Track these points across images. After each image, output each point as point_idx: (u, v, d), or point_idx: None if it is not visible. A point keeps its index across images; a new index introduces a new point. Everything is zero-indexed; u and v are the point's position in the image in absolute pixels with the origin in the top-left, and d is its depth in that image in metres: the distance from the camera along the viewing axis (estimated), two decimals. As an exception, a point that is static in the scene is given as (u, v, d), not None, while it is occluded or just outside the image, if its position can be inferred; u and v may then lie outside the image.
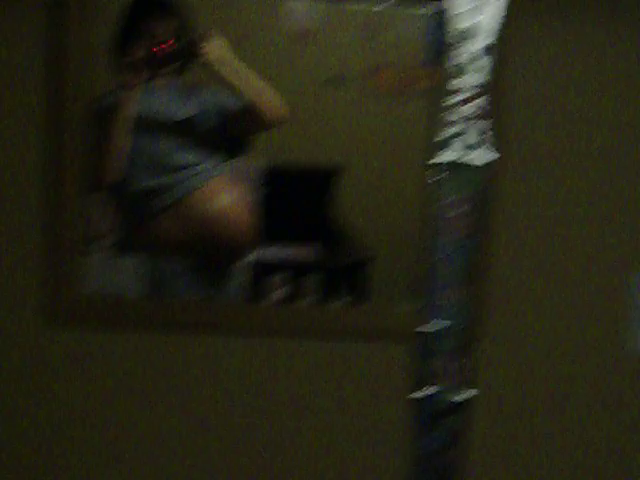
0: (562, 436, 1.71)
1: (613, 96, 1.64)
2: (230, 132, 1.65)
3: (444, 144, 1.58)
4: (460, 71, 1.56)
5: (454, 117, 1.57)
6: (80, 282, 1.63)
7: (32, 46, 1.59)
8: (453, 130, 1.57)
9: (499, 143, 1.60)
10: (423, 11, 1.58)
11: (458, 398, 1.63)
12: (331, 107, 1.65)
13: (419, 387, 1.64)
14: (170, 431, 1.68)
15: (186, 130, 1.64)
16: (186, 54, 1.57)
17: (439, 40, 1.57)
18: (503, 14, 1.56)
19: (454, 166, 1.58)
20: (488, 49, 1.56)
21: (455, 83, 1.57)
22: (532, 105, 1.63)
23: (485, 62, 1.56)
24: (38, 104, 1.60)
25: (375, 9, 1.59)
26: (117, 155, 1.60)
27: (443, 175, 1.59)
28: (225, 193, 1.66)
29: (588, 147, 1.65)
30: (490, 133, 1.58)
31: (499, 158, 1.60)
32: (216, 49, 1.57)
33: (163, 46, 1.57)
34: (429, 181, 1.60)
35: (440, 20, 1.56)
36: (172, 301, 1.65)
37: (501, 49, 1.57)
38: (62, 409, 1.67)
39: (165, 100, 1.64)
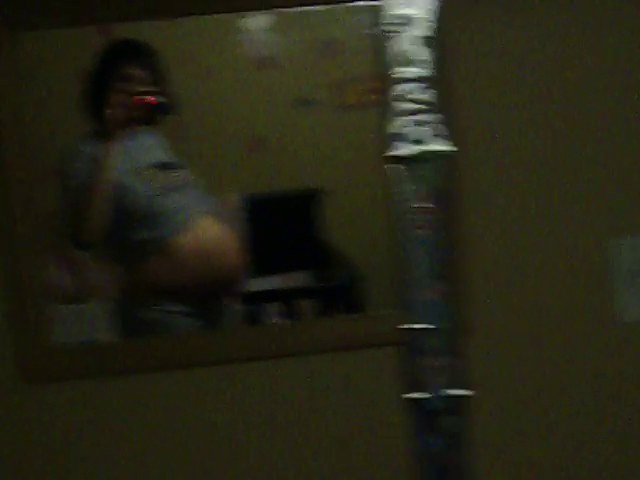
0: (563, 426, 1.70)
1: (565, 84, 1.63)
2: None
3: (397, 138, 1.55)
4: (403, 62, 1.53)
5: (404, 109, 1.54)
6: (48, 333, 1.54)
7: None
8: (403, 123, 1.54)
9: (454, 135, 1.56)
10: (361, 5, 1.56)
11: (452, 397, 1.61)
12: (301, 129, 1.63)
13: (412, 389, 1.60)
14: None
15: (166, 174, 1.61)
16: (168, 108, 1.57)
17: (381, 37, 1.54)
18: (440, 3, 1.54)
19: (410, 159, 1.55)
20: (428, 39, 1.53)
21: (399, 74, 1.54)
22: (484, 95, 1.60)
23: (427, 53, 1.54)
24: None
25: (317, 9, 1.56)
26: (103, 210, 1.55)
27: (401, 170, 1.56)
28: (212, 230, 1.64)
29: (545, 130, 1.63)
30: (442, 125, 1.55)
31: (457, 150, 1.56)
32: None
33: (149, 98, 1.55)
34: (390, 177, 1.56)
35: (377, 13, 1.53)
36: (150, 341, 1.58)
37: (443, 40, 1.54)
38: (44, 466, 1.59)
39: (142, 147, 1.61)
